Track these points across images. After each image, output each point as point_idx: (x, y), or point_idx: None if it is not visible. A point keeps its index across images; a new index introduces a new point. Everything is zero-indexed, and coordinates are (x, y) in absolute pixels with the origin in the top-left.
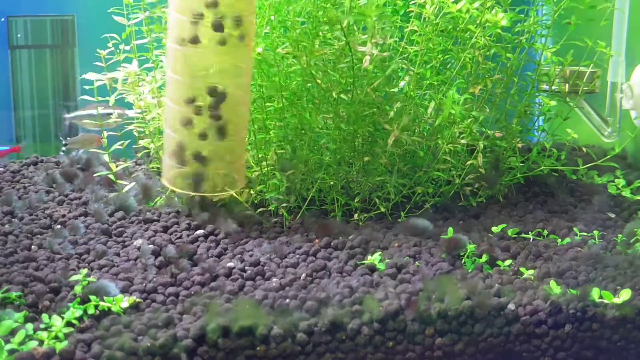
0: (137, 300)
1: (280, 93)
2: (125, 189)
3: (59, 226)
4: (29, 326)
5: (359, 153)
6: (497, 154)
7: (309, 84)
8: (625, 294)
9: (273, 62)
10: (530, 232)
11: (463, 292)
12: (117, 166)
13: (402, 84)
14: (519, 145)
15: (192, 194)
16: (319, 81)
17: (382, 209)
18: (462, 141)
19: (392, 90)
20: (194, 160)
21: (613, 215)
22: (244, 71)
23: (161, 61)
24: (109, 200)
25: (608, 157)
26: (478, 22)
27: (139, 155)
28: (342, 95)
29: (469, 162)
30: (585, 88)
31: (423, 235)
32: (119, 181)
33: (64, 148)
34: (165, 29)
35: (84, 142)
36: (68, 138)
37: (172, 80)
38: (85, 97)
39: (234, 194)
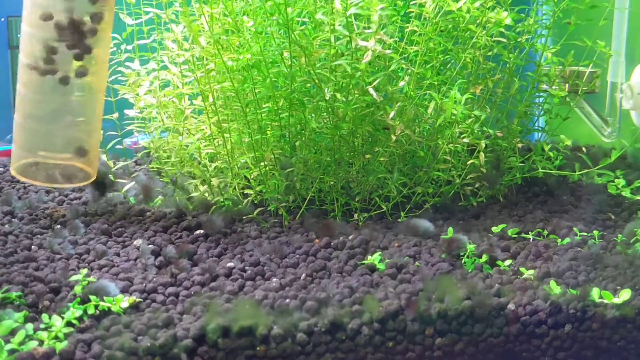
0: (137, 300)
1: (278, 93)
2: (125, 188)
3: (59, 226)
4: (29, 326)
5: (358, 153)
6: (497, 153)
7: (308, 84)
8: (625, 294)
9: (272, 63)
10: (530, 232)
11: (463, 292)
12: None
13: (401, 83)
14: (519, 145)
15: (44, 184)
16: (316, 81)
17: (384, 207)
18: (464, 140)
19: (391, 90)
20: None
21: (613, 216)
22: (98, 58)
23: (162, 61)
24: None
25: (603, 164)
26: (479, 21)
27: (139, 155)
28: (337, 94)
29: (469, 162)
30: (585, 88)
31: (423, 235)
32: (119, 180)
33: None
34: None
35: None
36: None
37: (22, 64)
38: None
39: None
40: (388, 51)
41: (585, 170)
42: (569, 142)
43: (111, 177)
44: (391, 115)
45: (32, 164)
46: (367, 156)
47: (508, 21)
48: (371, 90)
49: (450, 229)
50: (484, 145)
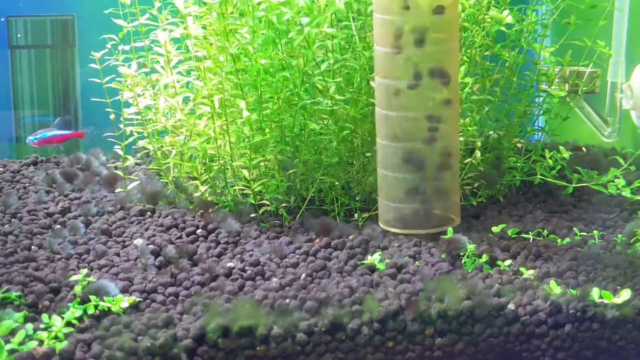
0: (137, 300)
1: (277, 95)
2: (131, 186)
3: (58, 226)
4: (29, 326)
5: (358, 153)
6: (499, 152)
7: (307, 84)
8: (625, 294)
9: (268, 67)
10: (530, 232)
11: (463, 292)
12: (115, 167)
13: None
14: (519, 145)
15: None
16: (318, 85)
17: None
18: (460, 139)
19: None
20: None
21: (612, 215)
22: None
23: (158, 62)
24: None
25: (600, 180)
26: (475, 20)
27: (139, 155)
28: (337, 95)
29: (466, 161)
30: (585, 88)
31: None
32: (127, 176)
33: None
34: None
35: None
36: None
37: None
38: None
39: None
40: None
41: (582, 184)
42: (566, 155)
43: (121, 173)
44: None
45: (404, 214)
46: (368, 154)
47: (509, 20)
48: (372, 83)
49: (450, 229)
50: (480, 143)
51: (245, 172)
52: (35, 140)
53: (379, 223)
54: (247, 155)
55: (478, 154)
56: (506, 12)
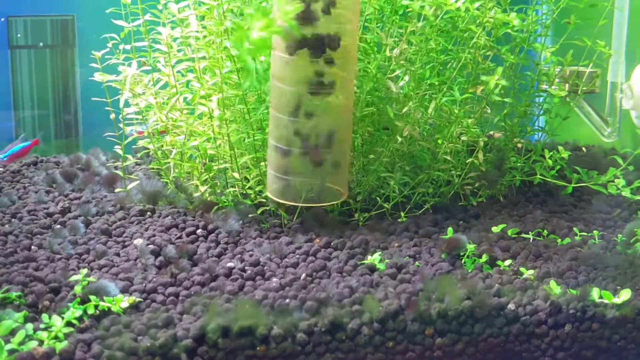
0: (137, 300)
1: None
2: (130, 186)
3: (58, 226)
4: (29, 326)
5: (358, 153)
6: (502, 153)
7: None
8: (625, 294)
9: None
10: (530, 232)
11: (463, 292)
12: (115, 166)
13: (401, 83)
14: (519, 145)
15: (296, 204)
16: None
17: (387, 206)
18: (463, 138)
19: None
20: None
21: (612, 215)
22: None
23: (159, 62)
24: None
25: (599, 181)
26: (479, 22)
27: (139, 155)
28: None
29: (468, 161)
30: (585, 88)
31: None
32: (128, 176)
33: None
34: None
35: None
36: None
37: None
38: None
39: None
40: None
41: (581, 184)
42: (565, 155)
43: (121, 173)
44: (404, 109)
45: (285, 185)
46: (371, 156)
47: (516, 22)
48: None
49: (450, 229)
50: (482, 143)
51: (236, 174)
52: (5, 159)
53: (268, 193)
54: (233, 156)
55: (480, 154)
56: (513, 14)
